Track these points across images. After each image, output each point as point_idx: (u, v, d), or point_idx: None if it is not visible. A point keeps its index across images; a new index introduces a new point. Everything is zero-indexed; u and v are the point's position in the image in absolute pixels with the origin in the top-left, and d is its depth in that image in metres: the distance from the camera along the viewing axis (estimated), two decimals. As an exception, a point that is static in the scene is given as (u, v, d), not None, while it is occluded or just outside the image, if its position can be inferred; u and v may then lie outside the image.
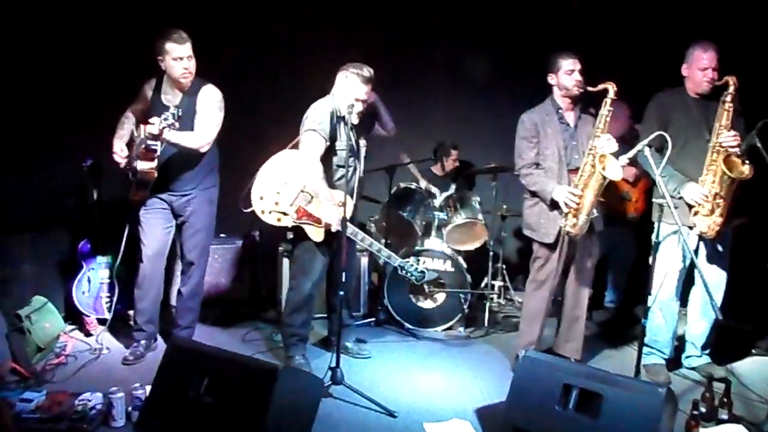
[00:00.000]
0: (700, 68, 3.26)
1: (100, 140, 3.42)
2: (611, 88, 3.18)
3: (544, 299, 3.44)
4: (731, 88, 3.18)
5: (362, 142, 3.42)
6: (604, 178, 3.10)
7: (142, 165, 3.14)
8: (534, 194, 3.38)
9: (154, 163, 3.16)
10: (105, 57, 3.94)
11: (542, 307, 3.45)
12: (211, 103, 3.32)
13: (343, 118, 3.21)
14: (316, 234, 3.23)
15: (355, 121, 3.24)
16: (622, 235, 4.44)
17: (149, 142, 3.05)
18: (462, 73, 5.12)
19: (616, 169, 3.10)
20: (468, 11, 4.98)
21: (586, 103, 3.44)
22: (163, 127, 2.98)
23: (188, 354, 2.69)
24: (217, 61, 4.26)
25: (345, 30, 4.72)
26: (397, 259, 3.33)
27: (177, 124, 3.03)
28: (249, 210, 3.27)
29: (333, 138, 3.24)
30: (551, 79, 3.36)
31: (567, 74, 3.29)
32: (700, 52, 3.26)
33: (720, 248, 3.38)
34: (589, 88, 3.24)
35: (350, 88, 3.22)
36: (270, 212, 3.24)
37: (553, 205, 3.29)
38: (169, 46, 3.18)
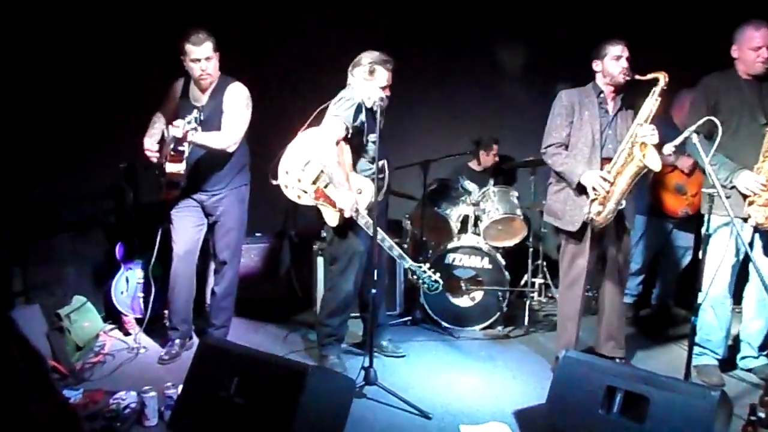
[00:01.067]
0: (752, 48, 3.06)
1: (135, 142, 3.43)
2: (662, 77, 3.02)
3: (578, 298, 3.29)
4: None
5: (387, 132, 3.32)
6: (643, 166, 2.93)
7: (170, 167, 3.15)
8: (560, 178, 3.23)
9: (183, 165, 3.16)
10: (138, 59, 3.98)
11: (576, 307, 3.31)
12: (237, 101, 3.29)
13: (371, 109, 3.15)
14: (332, 218, 3.20)
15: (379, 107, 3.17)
16: (675, 230, 4.22)
17: (175, 144, 3.05)
18: (499, 66, 4.99)
19: (656, 160, 2.95)
20: (503, 5, 4.84)
21: (630, 95, 3.27)
22: (187, 131, 2.97)
23: (218, 354, 2.68)
24: (243, 59, 4.29)
25: (373, 24, 4.64)
26: (408, 262, 3.26)
27: (199, 128, 3.02)
28: (276, 183, 3.28)
29: (360, 130, 3.19)
30: (596, 65, 3.22)
31: (614, 59, 3.14)
32: (752, 31, 3.07)
33: None
34: (638, 77, 3.08)
35: (381, 78, 3.17)
36: (292, 188, 3.24)
37: (580, 190, 3.14)
38: (188, 47, 3.17)
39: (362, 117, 3.18)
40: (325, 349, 3.40)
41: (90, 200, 4.02)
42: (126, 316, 3.88)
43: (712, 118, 2.83)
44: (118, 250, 3.88)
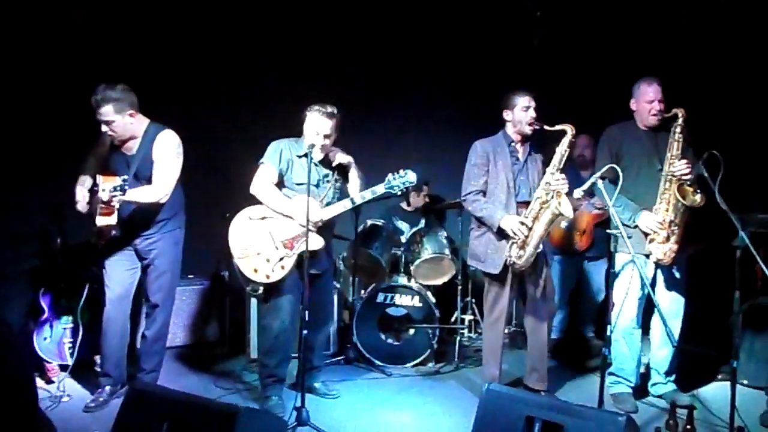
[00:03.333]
0: (646, 101, 3.41)
1: (64, 184, 3.41)
2: (569, 129, 3.29)
3: (500, 334, 3.48)
4: (680, 120, 3.33)
5: (330, 181, 3.45)
6: (558, 213, 3.17)
7: (101, 220, 3.13)
8: (481, 223, 3.44)
9: (113, 218, 3.14)
10: (69, 100, 3.91)
11: (498, 343, 3.50)
12: (167, 151, 3.30)
13: (306, 154, 3.27)
14: (318, 242, 3.28)
15: (319, 156, 3.33)
16: (590, 267, 4.53)
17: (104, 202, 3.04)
18: (429, 111, 5.25)
19: (569, 207, 3.21)
20: (435, 50, 5.14)
21: (536, 142, 3.54)
22: (112, 197, 2.97)
23: (148, 399, 2.64)
24: (185, 100, 4.37)
25: (314, 71, 4.83)
26: (380, 189, 3.34)
27: (126, 190, 2.99)
28: (259, 291, 3.36)
29: (284, 173, 3.34)
30: (506, 115, 3.47)
31: (523, 111, 3.40)
32: (645, 86, 3.42)
33: (677, 275, 3.47)
34: (546, 127, 3.34)
35: (313, 123, 3.31)
36: (273, 270, 3.26)
37: (501, 234, 3.35)
38: (92, 105, 3.17)
39: (287, 159, 3.34)
40: (266, 389, 3.42)
41: (13, 242, 3.90)
42: (49, 363, 3.75)
43: (614, 165, 3.12)
44: (42, 294, 3.77)
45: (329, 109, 3.33)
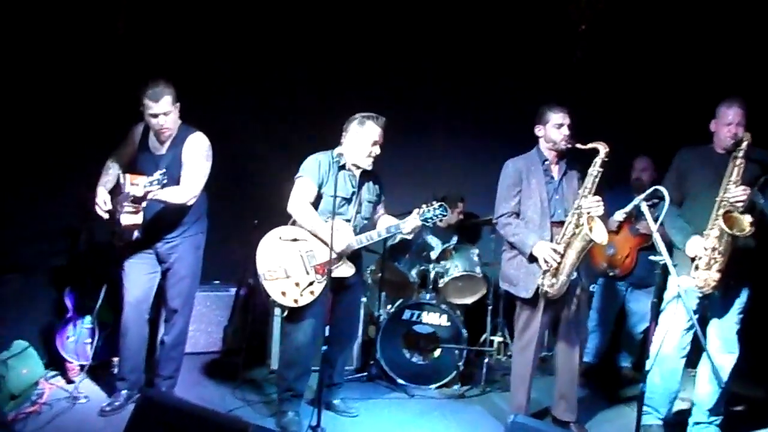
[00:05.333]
0: (725, 123, 3.21)
1: (92, 181, 3.38)
2: (602, 148, 3.10)
3: (529, 362, 3.29)
4: (744, 144, 3.11)
5: (368, 195, 3.37)
6: (590, 240, 2.98)
7: (126, 219, 3.09)
8: (513, 245, 3.28)
9: (139, 217, 3.12)
10: (97, 97, 3.95)
11: (527, 370, 3.31)
12: (197, 153, 3.27)
13: (343, 166, 3.21)
14: (348, 269, 3.21)
15: (369, 166, 3.27)
16: (635, 292, 4.29)
17: (134, 200, 3.01)
18: (466, 125, 5.10)
19: (602, 233, 3.01)
20: (474, 64, 5.00)
21: (574, 158, 3.36)
22: (148, 191, 2.95)
23: (158, 408, 2.56)
24: (216, 106, 4.34)
25: (347, 84, 4.75)
26: (407, 225, 3.20)
27: (162, 189, 2.99)
28: (285, 312, 3.26)
29: (322, 186, 3.24)
30: (539, 131, 3.32)
31: (555, 128, 3.24)
32: (725, 108, 3.23)
33: (734, 305, 3.22)
34: (579, 146, 3.16)
35: (370, 133, 3.24)
36: (302, 294, 3.16)
37: (532, 259, 3.18)
38: (146, 102, 3.15)
39: (325, 171, 3.23)
40: (283, 404, 3.31)
41: (40, 240, 3.90)
42: (70, 362, 3.73)
43: (659, 187, 2.92)
44: (68, 293, 3.76)
45: (381, 118, 3.27)
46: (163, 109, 3.16)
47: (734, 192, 3.06)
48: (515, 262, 3.27)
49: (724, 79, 4.32)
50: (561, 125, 3.22)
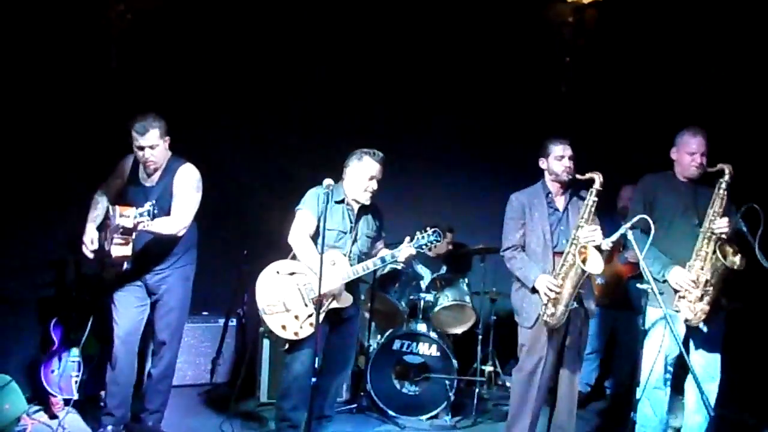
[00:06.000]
0: (688, 152, 3.27)
1: (81, 212, 3.37)
2: (597, 178, 3.14)
3: (533, 389, 3.24)
4: (727, 176, 3.15)
5: (366, 229, 3.40)
6: (583, 271, 3.01)
7: (116, 251, 3.08)
8: (518, 278, 3.31)
9: (129, 249, 3.10)
10: (86, 128, 3.97)
11: (529, 398, 3.26)
12: (187, 184, 3.28)
13: (343, 200, 3.28)
14: (347, 299, 3.24)
15: (367, 201, 3.31)
16: (626, 320, 4.29)
17: (123, 231, 3.00)
18: (454, 156, 5.16)
19: (597, 263, 3.02)
20: (461, 96, 5.09)
21: (580, 188, 3.39)
22: (138, 222, 2.94)
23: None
24: (206, 138, 4.38)
25: (337, 117, 4.81)
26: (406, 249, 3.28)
27: (152, 220, 2.98)
28: (285, 346, 3.23)
29: (320, 218, 3.24)
30: (542, 163, 3.36)
31: (557, 160, 3.28)
32: (689, 137, 3.29)
33: (713, 334, 3.23)
34: (577, 176, 3.21)
35: (367, 169, 3.29)
36: (301, 327, 3.15)
37: (534, 291, 3.20)
38: (133, 134, 3.17)
39: (323, 204, 3.22)
40: None
41: (27, 271, 3.86)
42: (54, 396, 3.66)
43: (645, 216, 2.96)
44: (54, 325, 3.71)
45: (379, 153, 3.33)
46: (149, 143, 3.17)
47: (719, 223, 3.10)
48: (520, 293, 3.31)
49: (704, 108, 4.44)
50: (562, 157, 3.27)
